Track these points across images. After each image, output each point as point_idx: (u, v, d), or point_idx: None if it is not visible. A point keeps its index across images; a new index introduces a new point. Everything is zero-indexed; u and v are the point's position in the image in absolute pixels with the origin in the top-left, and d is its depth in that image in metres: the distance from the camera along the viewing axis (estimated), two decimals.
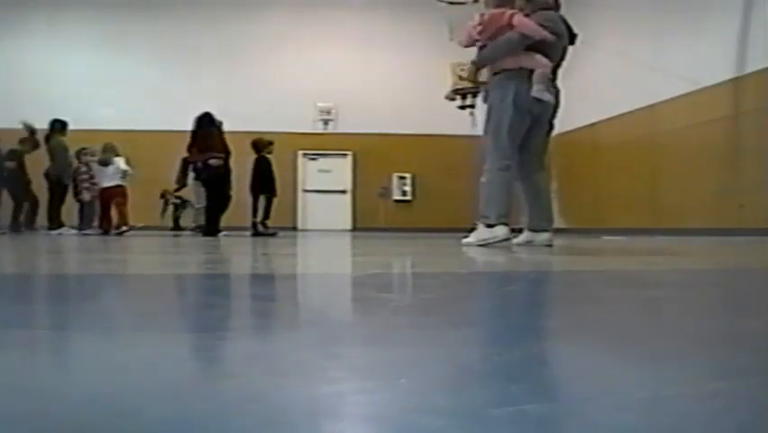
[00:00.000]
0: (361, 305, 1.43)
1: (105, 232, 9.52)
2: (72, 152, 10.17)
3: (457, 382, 0.65)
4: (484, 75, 5.02)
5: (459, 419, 0.50)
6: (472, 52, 5.00)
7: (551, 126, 5.00)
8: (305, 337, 0.92)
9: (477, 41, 4.84)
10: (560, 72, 4.94)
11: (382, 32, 14.76)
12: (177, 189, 9.73)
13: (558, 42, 4.77)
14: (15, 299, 1.51)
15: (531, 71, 4.66)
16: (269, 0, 14.59)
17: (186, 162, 9.29)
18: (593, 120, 12.98)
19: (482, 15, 4.79)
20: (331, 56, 14.66)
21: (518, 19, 4.64)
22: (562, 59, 4.91)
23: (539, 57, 4.67)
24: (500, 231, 4.53)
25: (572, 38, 4.99)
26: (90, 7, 14.44)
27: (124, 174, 9.78)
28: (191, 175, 9.22)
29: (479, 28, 4.74)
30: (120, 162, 9.84)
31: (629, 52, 11.60)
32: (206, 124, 8.56)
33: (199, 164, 8.60)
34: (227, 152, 8.65)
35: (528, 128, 4.77)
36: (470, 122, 9.51)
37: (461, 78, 8.28)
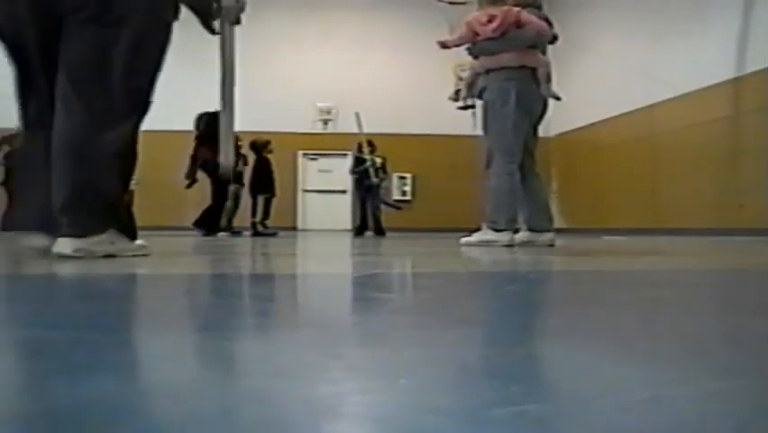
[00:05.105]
0: (362, 305, 1.43)
1: None
2: None
3: (457, 382, 0.65)
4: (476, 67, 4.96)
5: (459, 419, 0.50)
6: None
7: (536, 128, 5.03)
8: (305, 337, 0.91)
9: (477, 37, 4.76)
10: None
11: (382, 33, 14.76)
12: (188, 185, 9.72)
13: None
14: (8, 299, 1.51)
15: (533, 70, 4.65)
16: (269, 0, 14.60)
17: (196, 158, 9.27)
18: (593, 120, 12.99)
19: (491, 14, 4.67)
20: (331, 56, 14.65)
21: (526, 16, 4.62)
22: None
23: (541, 55, 4.66)
24: (506, 237, 4.55)
25: (553, 38, 4.99)
26: None
27: None
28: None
29: (493, 25, 4.61)
30: None
31: (629, 52, 11.60)
32: (212, 124, 8.54)
33: (210, 165, 8.59)
34: (237, 154, 8.64)
35: None
36: (471, 122, 9.52)
37: (460, 78, 8.29)
